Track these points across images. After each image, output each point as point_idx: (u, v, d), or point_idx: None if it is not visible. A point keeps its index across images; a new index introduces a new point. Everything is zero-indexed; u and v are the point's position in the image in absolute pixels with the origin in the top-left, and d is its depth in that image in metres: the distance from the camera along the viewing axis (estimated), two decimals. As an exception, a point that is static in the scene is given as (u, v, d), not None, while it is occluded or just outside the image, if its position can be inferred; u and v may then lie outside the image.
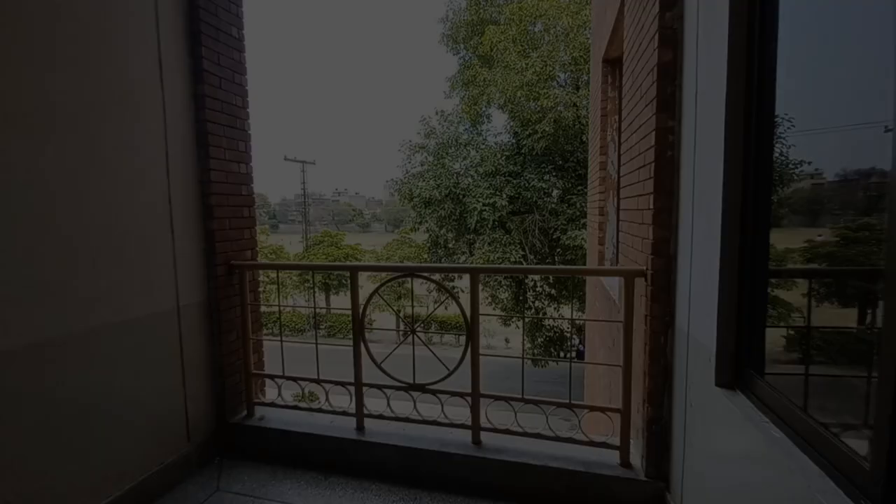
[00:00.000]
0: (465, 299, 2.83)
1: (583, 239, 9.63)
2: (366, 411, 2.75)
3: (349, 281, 2.72)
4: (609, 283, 4.42)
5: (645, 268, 2.14)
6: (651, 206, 2.07)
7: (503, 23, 10.31)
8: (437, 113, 12.04)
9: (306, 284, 24.78)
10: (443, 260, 12.48)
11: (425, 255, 13.12)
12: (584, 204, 10.84)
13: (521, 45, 10.28)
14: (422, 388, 2.69)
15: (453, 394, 2.65)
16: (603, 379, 4.37)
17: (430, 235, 12.40)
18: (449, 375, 2.66)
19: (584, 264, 10.58)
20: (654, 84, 2.09)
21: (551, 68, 10.04)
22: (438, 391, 2.65)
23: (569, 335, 17.42)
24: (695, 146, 1.79)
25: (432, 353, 2.72)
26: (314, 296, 2.98)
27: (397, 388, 2.75)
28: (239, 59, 3.24)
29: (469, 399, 2.57)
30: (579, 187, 11.21)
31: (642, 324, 2.16)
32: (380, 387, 2.76)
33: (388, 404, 2.76)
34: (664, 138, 2.04)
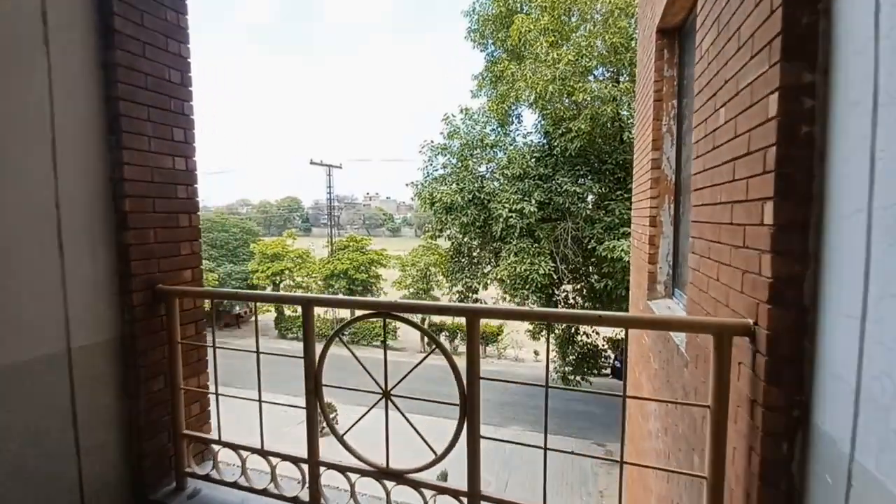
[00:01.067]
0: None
1: (623, 251, 8.56)
2: (324, 500, 1.95)
3: (302, 318, 1.95)
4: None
5: (751, 321, 1.28)
6: (768, 221, 1.19)
7: (534, 12, 9.42)
8: (461, 111, 11.25)
9: (330, 290, 24.45)
10: (466, 270, 11.63)
11: (448, 265, 12.32)
12: (624, 211, 9.75)
13: (553, 35, 9.34)
14: (398, 477, 1.86)
15: (442, 490, 1.80)
16: (653, 423, 3.39)
17: (453, 243, 11.58)
18: (437, 462, 1.82)
19: (626, 281, 9.47)
20: (773, 14, 1.21)
21: (587, 59, 9.04)
22: (422, 483, 1.82)
23: (604, 349, 16.17)
24: (874, 116, 0.90)
25: (413, 428, 1.90)
26: (257, 335, 2.17)
27: (364, 474, 1.93)
28: (176, 22, 2.49)
29: (465, 501, 1.72)
30: (619, 192, 10.12)
31: (745, 414, 1.28)
32: (342, 469, 1.95)
33: (353, 496, 1.95)
34: (793, 104, 1.16)
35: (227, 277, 25.01)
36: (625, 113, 9.91)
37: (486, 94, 12.26)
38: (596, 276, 13.12)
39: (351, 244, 25.39)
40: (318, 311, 25.58)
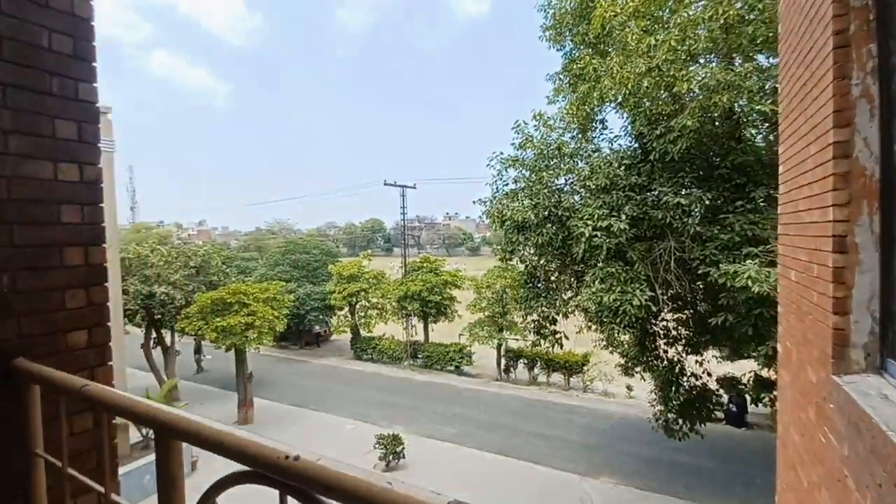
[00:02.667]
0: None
1: (750, 278, 6.57)
2: None
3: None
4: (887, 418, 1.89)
5: None
6: None
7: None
8: (534, 117, 9.95)
9: (403, 311, 24.01)
10: (542, 297, 10.09)
11: (521, 290, 10.89)
12: (747, 226, 7.68)
13: (646, 20, 7.76)
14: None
15: None
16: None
17: (527, 266, 10.17)
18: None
19: (752, 316, 7.37)
20: None
21: (692, 41, 7.32)
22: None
23: (716, 392, 13.41)
24: None
25: None
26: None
27: None
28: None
29: None
30: (738, 202, 8.04)
31: None
32: None
33: None
34: None
35: (306, 298, 25.76)
36: (742, 104, 7.94)
37: (565, 98, 10.87)
38: (704, 306, 10.81)
39: (425, 265, 24.84)
40: (386, 331, 25.27)
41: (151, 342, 19.79)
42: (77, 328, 1.73)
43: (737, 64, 8.00)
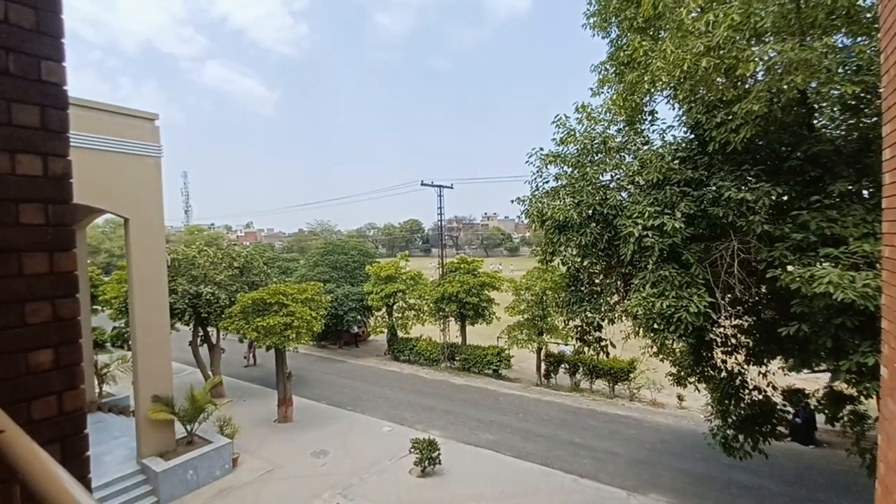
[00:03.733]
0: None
1: (831, 283, 5.73)
2: None
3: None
4: None
5: None
6: None
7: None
8: (576, 109, 9.31)
9: (441, 313, 23.73)
10: (586, 301, 9.40)
11: (562, 294, 10.25)
12: (824, 224, 6.77)
13: (704, -3, 6.97)
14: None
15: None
16: None
17: (569, 268, 9.52)
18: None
19: (831, 327, 6.46)
20: None
21: (758, 18, 6.51)
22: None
23: (783, 407, 12.18)
24: None
25: None
26: None
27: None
28: None
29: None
30: (813, 197, 7.12)
31: None
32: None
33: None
34: None
35: (344, 298, 26.01)
36: (816, 86, 7.01)
37: (611, 89, 10.15)
38: (770, 313, 9.77)
39: (462, 266, 24.46)
40: (424, 332, 24.96)
41: (199, 340, 20.56)
42: (40, 347, 1.47)
43: (811, 43, 7.09)
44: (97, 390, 17.83)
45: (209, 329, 20.72)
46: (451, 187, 25.57)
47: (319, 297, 18.29)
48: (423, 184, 24.19)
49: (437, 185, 24.60)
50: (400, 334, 25.60)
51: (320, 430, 16.82)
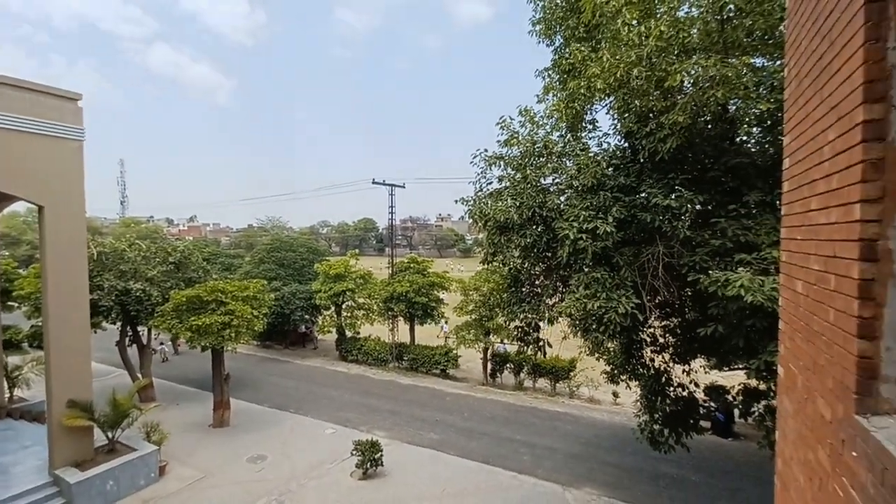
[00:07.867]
0: None
1: (743, 287, 6.16)
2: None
3: None
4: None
5: None
6: None
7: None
8: (520, 112, 9.49)
9: (390, 313, 23.49)
10: (524, 303, 9.61)
11: (504, 295, 10.43)
12: (740, 231, 7.28)
13: (642, 6, 7.30)
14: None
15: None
16: None
17: (510, 269, 9.70)
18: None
19: (744, 328, 6.94)
20: None
21: (685, 32, 6.90)
22: None
23: (705, 402, 13.02)
24: None
25: None
26: None
27: None
28: None
29: None
30: (731, 206, 7.64)
31: None
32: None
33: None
34: None
35: (291, 297, 25.16)
36: (736, 102, 7.53)
37: (554, 96, 10.43)
38: (693, 314, 10.40)
39: (412, 265, 24.34)
40: (373, 332, 24.68)
41: (127, 340, 19.15)
42: None
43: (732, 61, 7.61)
44: (7, 395, 16.19)
45: (140, 329, 19.34)
46: (403, 186, 25.43)
47: (262, 295, 17.53)
48: (374, 182, 23.85)
49: (389, 184, 24.35)
50: (349, 334, 25.10)
51: (259, 434, 16.13)
